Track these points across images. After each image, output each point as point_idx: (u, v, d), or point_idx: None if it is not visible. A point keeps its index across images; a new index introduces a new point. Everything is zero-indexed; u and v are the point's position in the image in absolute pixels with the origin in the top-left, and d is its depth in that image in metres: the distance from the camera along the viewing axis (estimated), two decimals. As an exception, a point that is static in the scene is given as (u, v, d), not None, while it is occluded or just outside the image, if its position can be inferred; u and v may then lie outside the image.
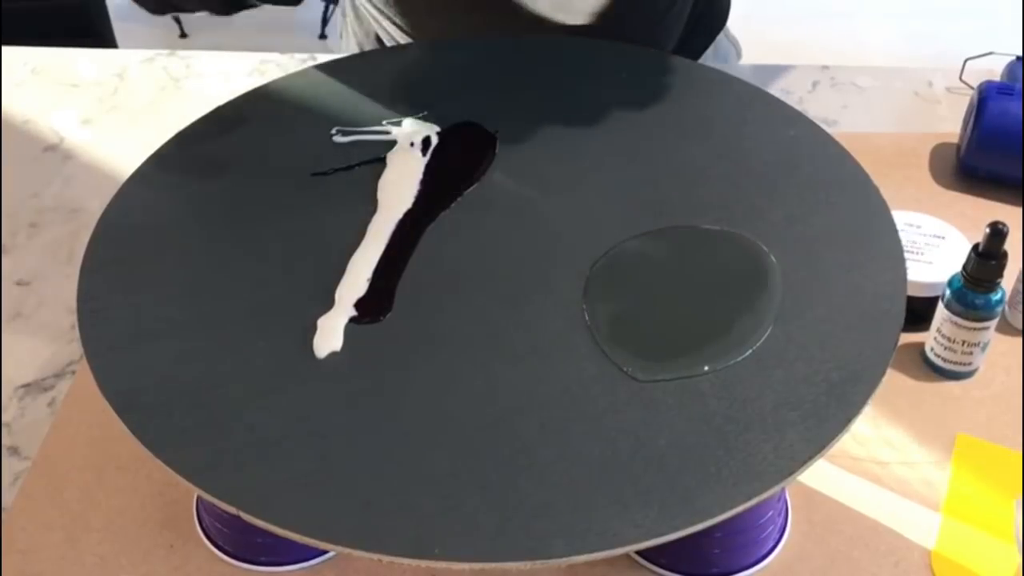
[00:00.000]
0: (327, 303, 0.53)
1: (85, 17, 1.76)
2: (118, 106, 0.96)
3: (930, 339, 0.67)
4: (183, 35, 2.69)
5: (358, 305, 0.53)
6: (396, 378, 0.50)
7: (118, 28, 2.06)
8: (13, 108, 0.96)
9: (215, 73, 1.00)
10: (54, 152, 0.91)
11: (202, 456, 0.47)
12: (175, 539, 0.59)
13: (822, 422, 0.47)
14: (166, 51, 1.04)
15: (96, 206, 0.59)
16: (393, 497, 0.45)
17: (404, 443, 0.47)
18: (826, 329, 0.51)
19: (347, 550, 0.43)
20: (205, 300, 0.54)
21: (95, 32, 1.77)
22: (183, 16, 2.70)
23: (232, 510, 0.45)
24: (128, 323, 0.53)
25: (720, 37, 0.95)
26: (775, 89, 0.90)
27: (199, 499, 0.60)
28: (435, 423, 0.48)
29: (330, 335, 0.51)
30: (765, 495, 0.44)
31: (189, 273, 0.56)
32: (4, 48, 1.04)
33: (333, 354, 0.51)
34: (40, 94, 0.99)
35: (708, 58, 0.94)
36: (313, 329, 0.52)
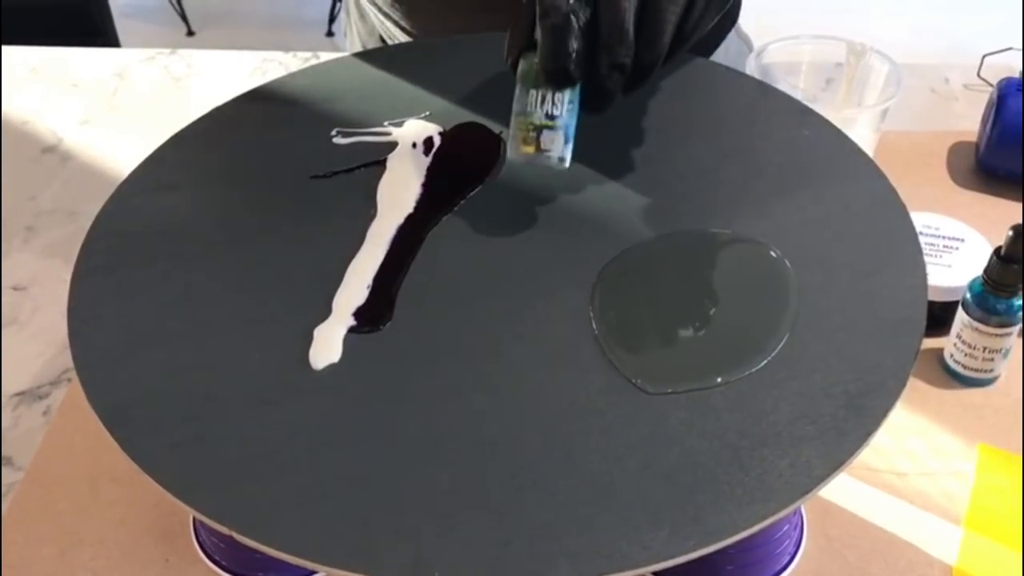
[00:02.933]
0: (325, 312, 0.51)
1: (86, 16, 1.75)
2: (118, 106, 0.95)
3: (950, 345, 0.65)
4: (190, 33, 2.67)
5: (357, 314, 0.51)
6: (395, 391, 0.48)
7: (124, 25, 2.05)
8: (11, 108, 0.95)
9: (216, 72, 0.99)
10: (52, 153, 0.90)
11: (194, 472, 0.45)
12: (171, 553, 0.58)
13: (841, 436, 0.45)
14: (167, 50, 1.02)
15: (95, 209, 0.58)
16: (391, 516, 0.43)
17: (403, 459, 0.45)
18: (844, 338, 0.49)
19: (342, 573, 0.41)
20: (199, 309, 0.52)
21: (97, 30, 1.76)
22: (190, 13, 2.69)
23: (224, 530, 0.43)
24: (120, 333, 0.51)
25: (731, 36, 0.93)
26: (788, 86, 0.88)
27: (195, 512, 0.58)
28: (435, 438, 0.46)
29: (328, 346, 0.50)
30: (781, 514, 0.42)
31: (183, 280, 0.54)
32: (3, 48, 1.02)
33: (331, 366, 0.49)
34: (39, 94, 0.97)
35: (719, 57, 0.92)
36: (310, 339, 0.50)
